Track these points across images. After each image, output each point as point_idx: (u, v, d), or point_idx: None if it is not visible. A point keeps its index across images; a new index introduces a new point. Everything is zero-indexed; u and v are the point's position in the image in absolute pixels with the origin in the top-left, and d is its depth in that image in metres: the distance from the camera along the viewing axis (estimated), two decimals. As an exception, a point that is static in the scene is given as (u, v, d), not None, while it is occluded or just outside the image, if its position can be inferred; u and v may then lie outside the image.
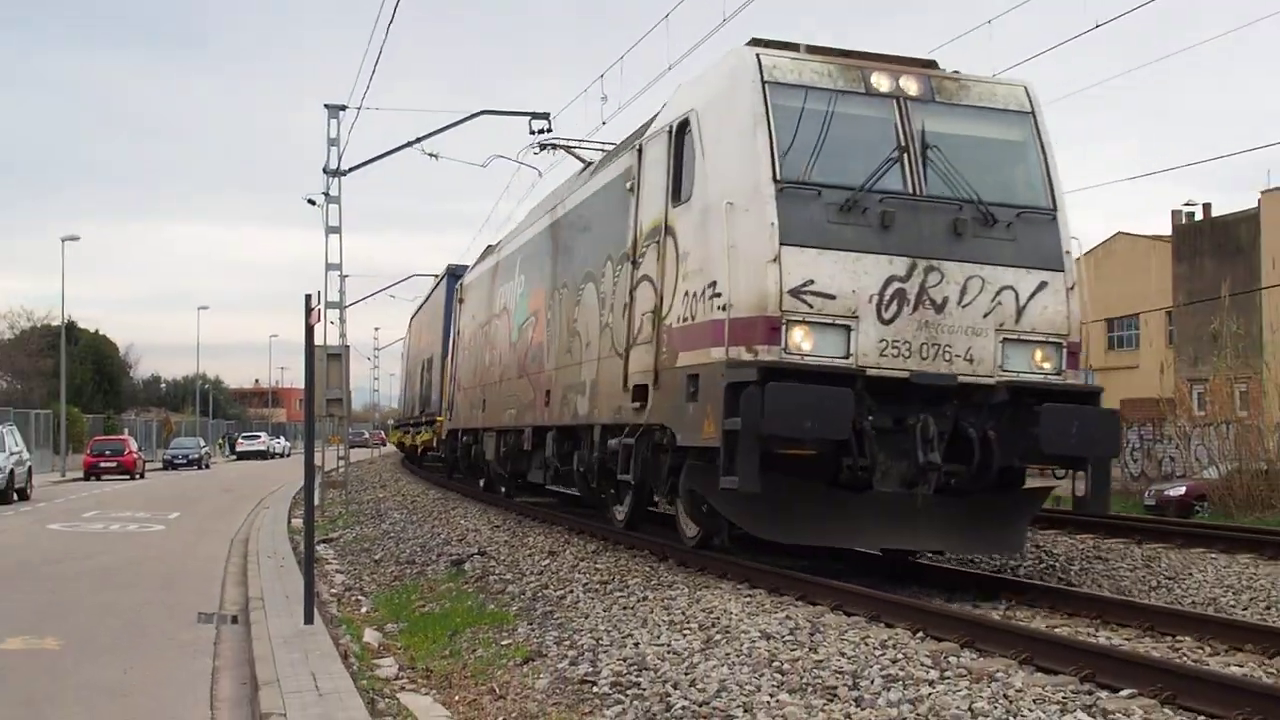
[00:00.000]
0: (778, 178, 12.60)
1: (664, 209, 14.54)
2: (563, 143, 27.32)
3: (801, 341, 12.51)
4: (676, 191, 14.27)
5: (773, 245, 12.36)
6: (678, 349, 13.89)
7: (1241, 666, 8.82)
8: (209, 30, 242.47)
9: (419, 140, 31.54)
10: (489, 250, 29.53)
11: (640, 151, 15.81)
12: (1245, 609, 11.87)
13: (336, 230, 33.20)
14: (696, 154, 13.78)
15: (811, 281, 12.45)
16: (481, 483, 29.63)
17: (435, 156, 32.80)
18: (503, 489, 26.88)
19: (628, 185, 16.06)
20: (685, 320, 13.67)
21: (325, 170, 32.84)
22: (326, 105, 32.45)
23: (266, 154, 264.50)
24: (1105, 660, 8.21)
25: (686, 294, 13.66)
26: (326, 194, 33.17)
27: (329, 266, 33.60)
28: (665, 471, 15.13)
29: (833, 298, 12.48)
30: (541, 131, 30.05)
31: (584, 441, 18.50)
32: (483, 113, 31.13)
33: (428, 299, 46.14)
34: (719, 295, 12.74)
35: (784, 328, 12.51)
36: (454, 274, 36.62)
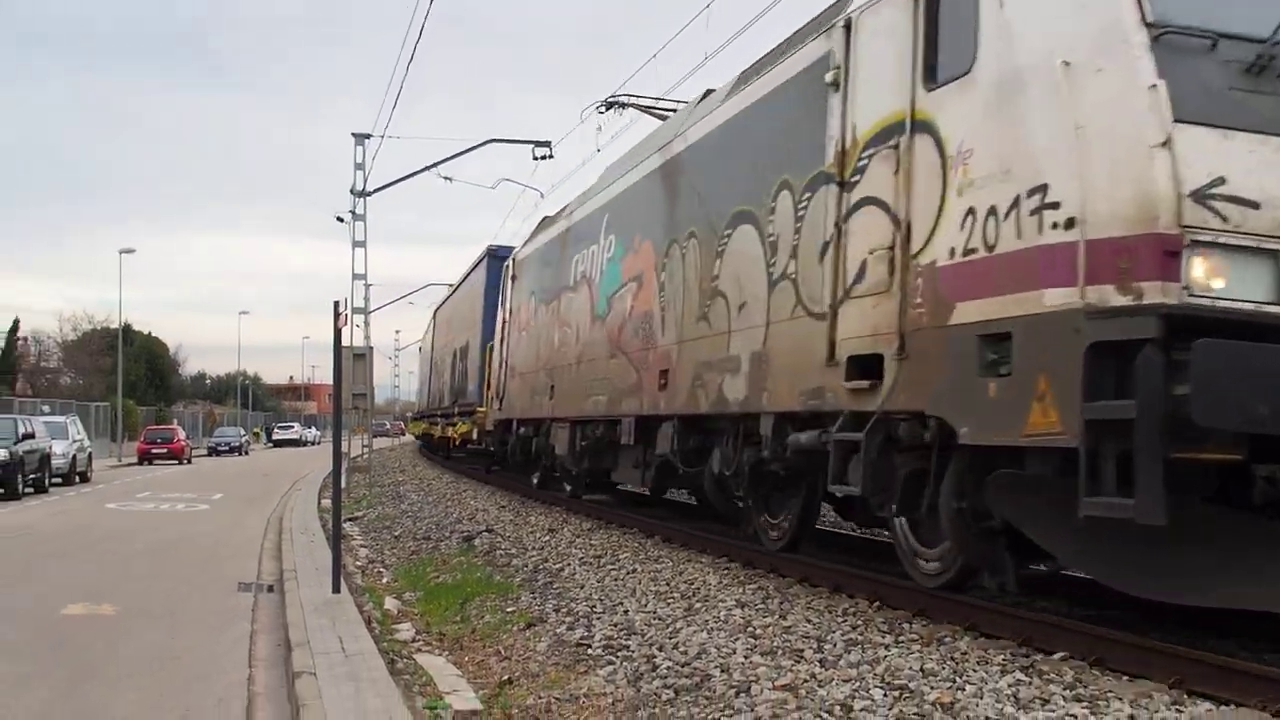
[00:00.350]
0: (1148, 19, 7.30)
1: (908, 95, 8.93)
2: (636, 101, 22.91)
3: (1210, 276, 7.07)
4: (932, 66, 8.79)
5: (1158, 121, 6.99)
6: (953, 297, 8.33)
7: (1163, 636, 8.79)
8: (253, 66, 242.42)
9: (434, 165, 31.49)
10: (546, 221, 23.96)
11: (850, 28, 10.00)
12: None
13: (362, 244, 33.20)
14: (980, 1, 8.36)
15: (1222, 180, 7.05)
16: (536, 479, 23.69)
17: (449, 179, 32.81)
18: (567, 487, 21.30)
19: (827, 79, 10.20)
20: (970, 252, 8.13)
21: (352, 191, 32.81)
22: (354, 134, 32.42)
23: (301, 175, 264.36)
24: (1040, 627, 8.18)
25: (969, 213, 8.08)
26: (353, 212, 33.18)
27: (355, 276, 33.54)
28: (908, 480, 9.53)
29: (1256, 206, 7.05)
30: (544, 158, 30.02)
31: (727, 436, 12.95)
32: (491, 141, 31.19)
33: (460, 285, 39.42)
34: (1055, 206, 7.32)
35: (1185, 253, 7.05)
36: (496, 254, 30.13)
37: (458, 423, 33.91)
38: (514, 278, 25.20)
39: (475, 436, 30.77)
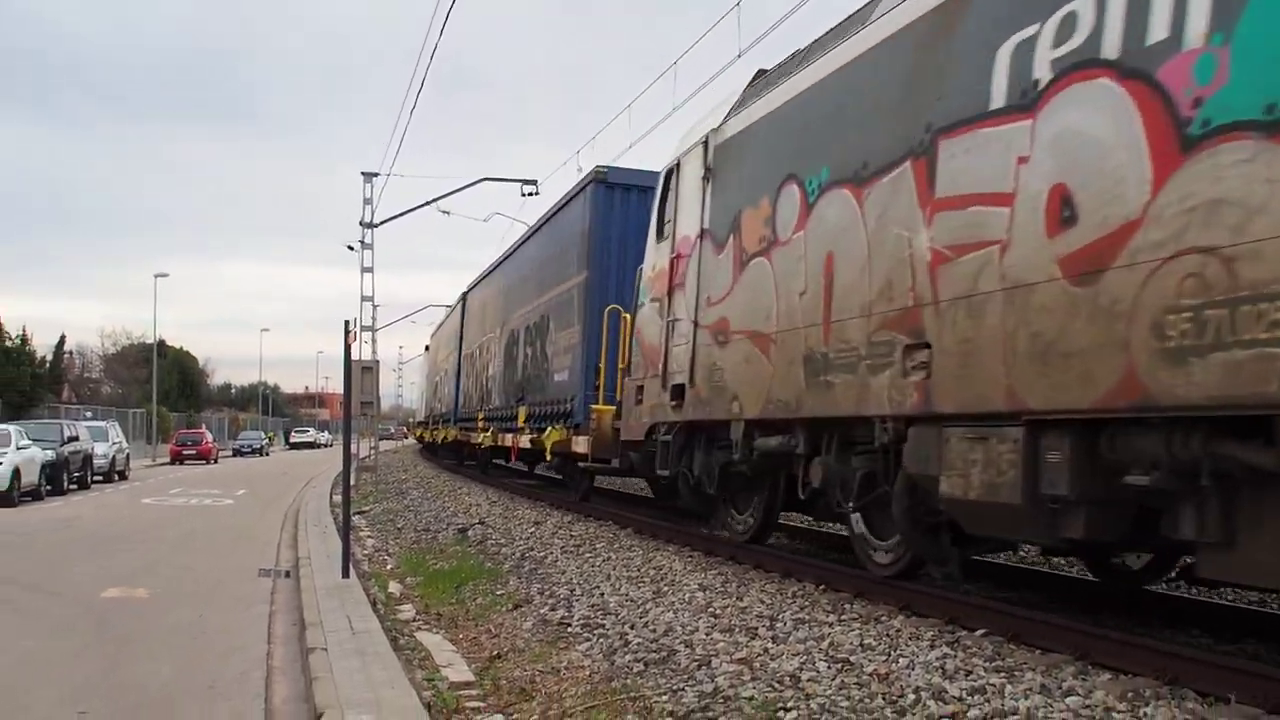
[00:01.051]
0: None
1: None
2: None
3: None
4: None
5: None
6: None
7: (1070, 615, 8.83)
8: (271, 110, 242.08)
9: (434, 200, 31.54)
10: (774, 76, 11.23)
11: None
12: (1074, 568, 11.93)
13: (370, 270, 33.27)
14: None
15: None
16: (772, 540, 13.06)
17: (447, 213, 32.76)
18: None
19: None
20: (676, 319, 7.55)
21: (361, 223, 32.82)
22: (363, 173, 32.46)
23: (316, 209, 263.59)
24: (964, 607, 8.20)
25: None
26: (362, 242, 33.16)
27: (363, 298, 33.62)
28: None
29: None
30: (531, 195, 30.00)
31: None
32: (484, 180, 31.20)
33: (523, 243, 25.08)
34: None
35: None
36: (602, 179, 18.16)
37: (554, 429, 19.19)
38: (711, 175, 11.85)
39: (589, 451, 16.42)
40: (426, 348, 51.08)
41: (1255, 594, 9.87)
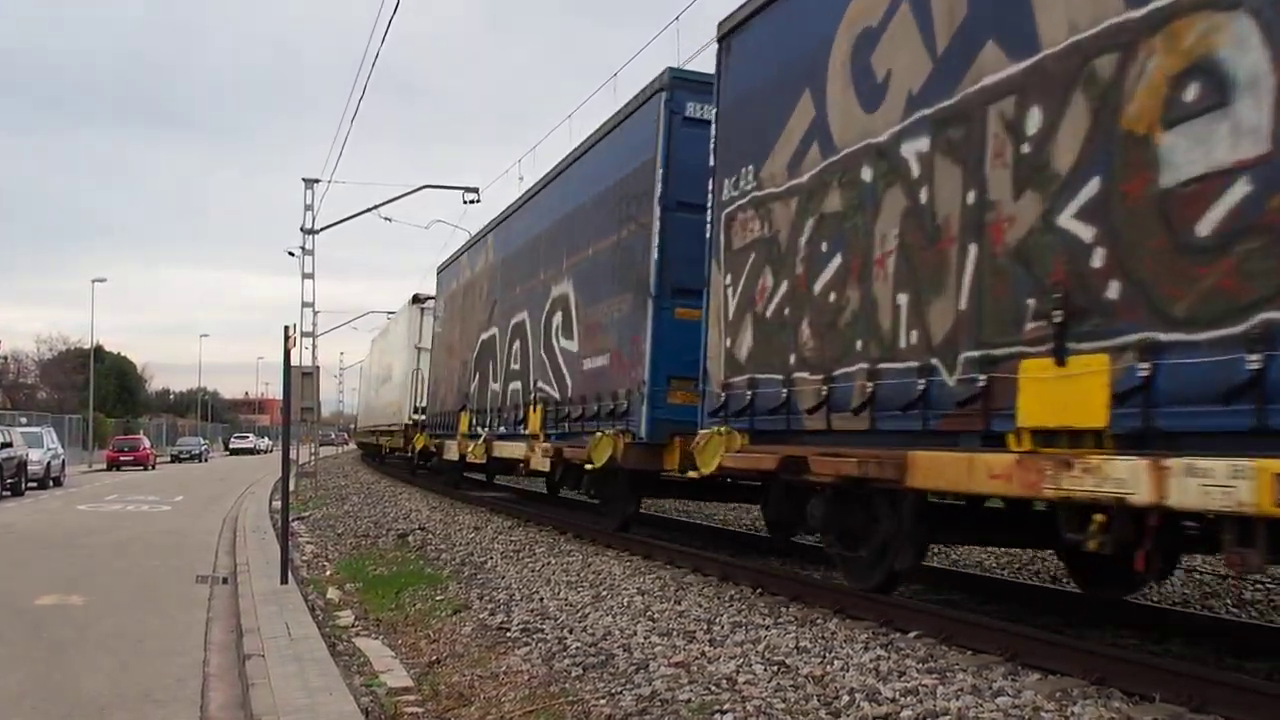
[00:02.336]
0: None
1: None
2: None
3: None
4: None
5: None
6: None
7: (1002, 616, 8.93)
8: (209, 115, 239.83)
9: (375, 207, 31.31)
10: None
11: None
12: (1003, 569, 12.07)
13: (311, 276, 32.96)
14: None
15: None
16: None
17: (389, 220, 32.94)
18: None
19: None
20: None
21: (302, 229, 32.50)
22: (304, 179, 32.15)
23: (256, 215, 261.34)
24: (898, 610, 8.27)
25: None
26: (303, 248, 32.88)
27: (304, 304, 33.27)
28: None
29: None
30: (472, 203, 29.89)
31: None
32: (425, 187, 31.09)
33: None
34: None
35: None
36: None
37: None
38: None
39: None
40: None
41: (1180, 594, 10.06)
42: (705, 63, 12.05)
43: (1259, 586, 10.33)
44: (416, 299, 33.40)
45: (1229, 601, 9.70)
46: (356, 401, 61.34)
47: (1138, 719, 5.55)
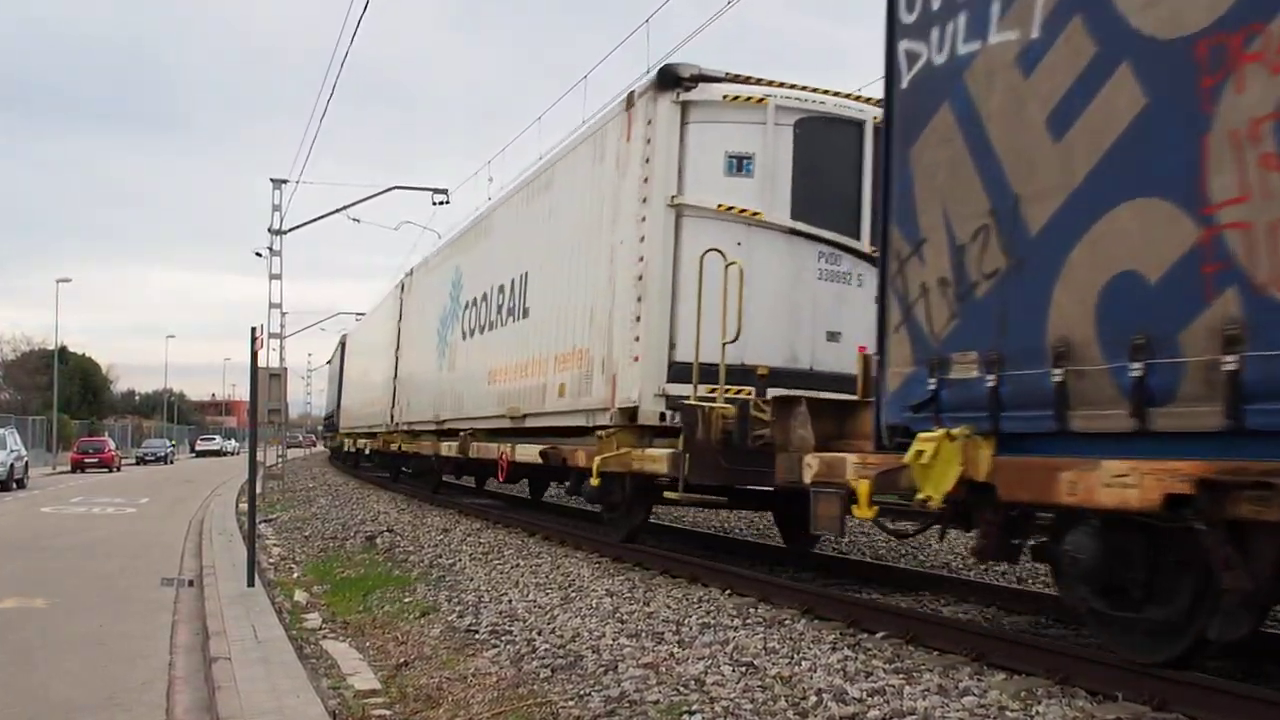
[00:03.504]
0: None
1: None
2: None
3: None
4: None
5: None
6: None
7: (966, 614, 9.00)
8: (176, 114, 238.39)
9: (344, 208, 31.27)
10: None
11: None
12: (970, 570, 12.14)
13: (278, 277, 32.87)
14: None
15: None
16: None
17: (357, 221, 32.73)
18: None
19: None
20: None
21: (270, 230, 32.41)
22: (272, 179, 32.12)
23: (223, 215, 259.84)
24: (865, 610, 8.32)
25: None
26: (270, 249, 32.76)
27: (272, 305, 33.15)
28: None
29: None
30: (441, 204, 29.83)
31: None
32: (394, 188, 31.03)
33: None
34: None
35: None
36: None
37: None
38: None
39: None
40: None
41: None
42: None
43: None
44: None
45: (1191, 601, 9.79)
46: (325, 403, 60.89)
47: (1101, 717, 5.61)
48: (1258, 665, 6.87)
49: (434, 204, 29.83)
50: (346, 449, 38.65)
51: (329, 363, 51.96)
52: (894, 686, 6.24)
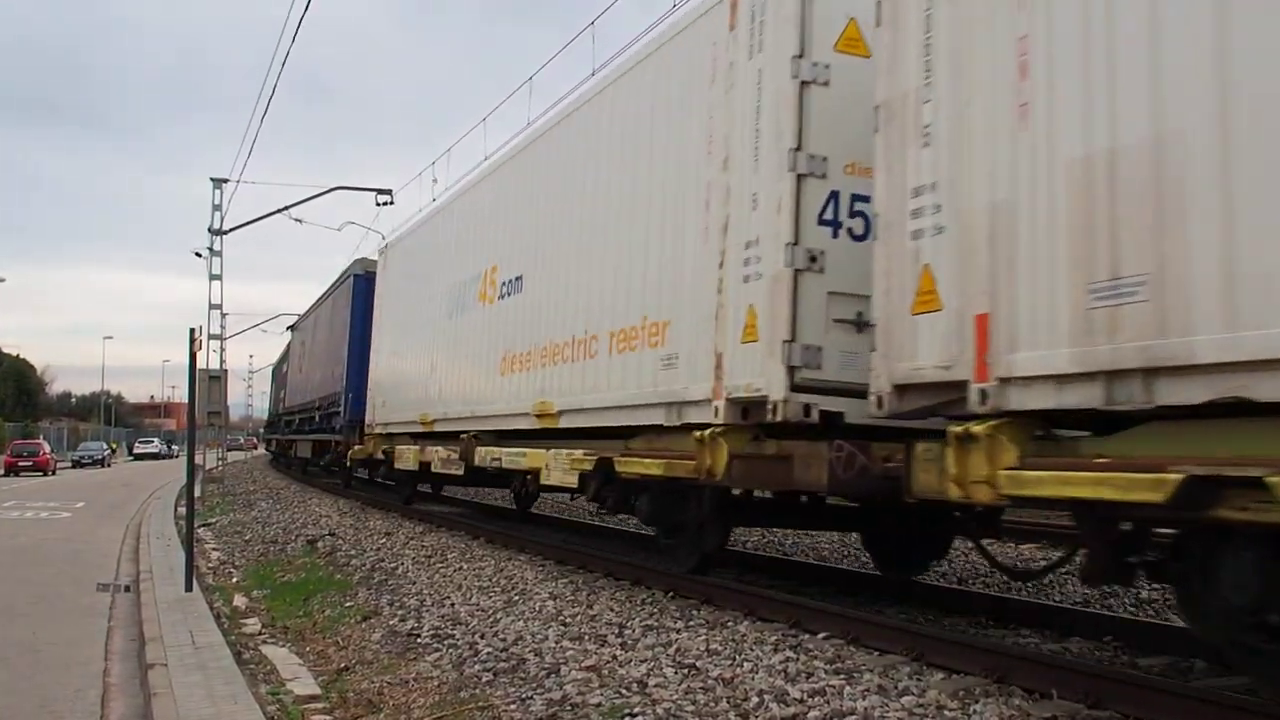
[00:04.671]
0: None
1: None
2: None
3: None
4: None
5: None
6: None
7: (908, 615, 9.08)
8: (112, 113, 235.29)
9: (286, 208, 31.00)
10: None
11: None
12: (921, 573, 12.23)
13: (218, 278, 32.61)
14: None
15: None
16: None
17: (300, 221, 32.33)
18: None
19: None
20: None
21: (210, 230, 32.08)
22: (212, 179, 31.82)
23: (164, 215, 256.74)
24: (806, 612, 8.36)
25: None
26: (210, 249, 32.43)
27: (211, 306, 32.82)
28: None
29: None
30: (385, 205, 29.68)
31: None
32: (338, 188, 30.81)
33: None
34: None
35: None
36: None
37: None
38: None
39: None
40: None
41: (1081, 594, 10.30)
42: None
43: (1155, 586, 10.62)
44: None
45: (1128, 601, 9.96)
46: (268, 405, 60.08)
47: (1037, 715, 5.68)
48: (1188, 661, 7.01)
49: (378, 204, 29.74)
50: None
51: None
52: (834, 687, 6.29)
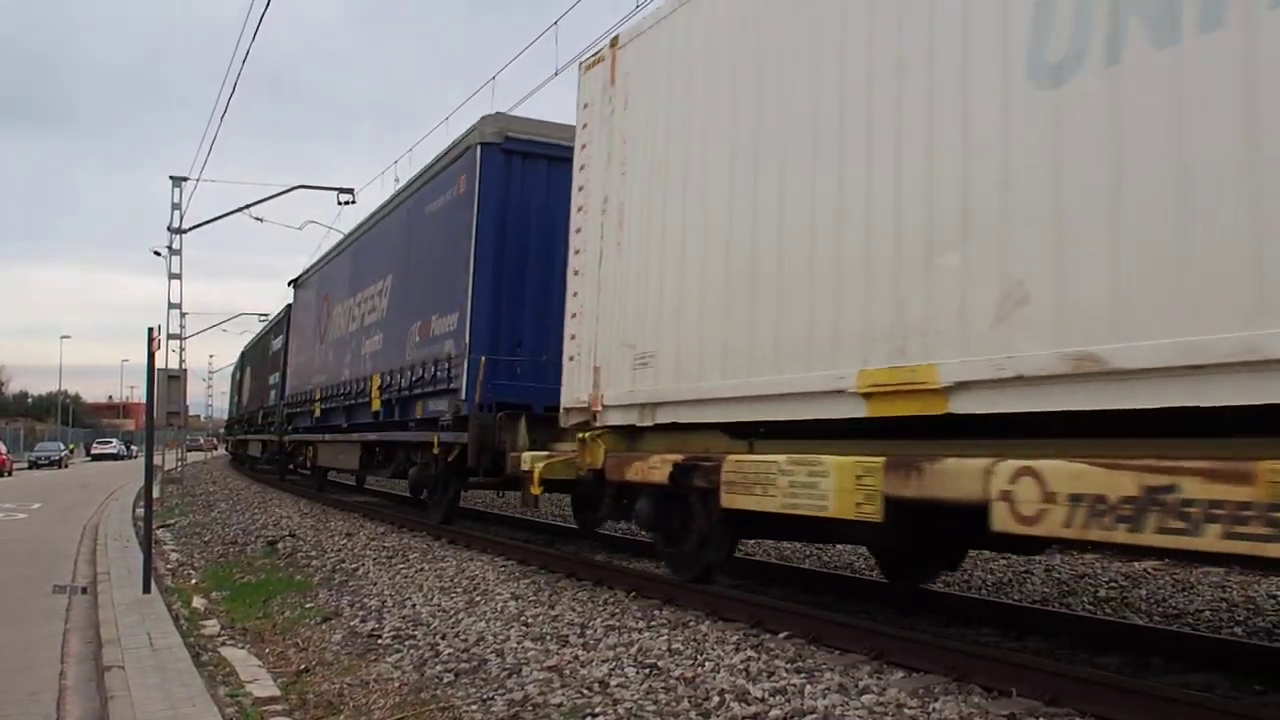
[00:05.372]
0: None
1: None
2: None
3: None
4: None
5: None
6: None
7: (870, 616, 9.12)
8: (72, 110, 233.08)
9: (246, 207, 30.76)
10: None
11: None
12: (872, 571, 12.31)
13: (178, 277, 32.28)
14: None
15: None
16: None
17: (260, 220, 32.30)
18: None
19: None
20: None
21: (169, 228, 31.79)
22: (172, 177, 31.46)
23: (123, 213, 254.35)
24: (768, 611, 8.39)
25: None
26: (170, 247, 32.14)
27: (171, 305, 32.56)
28: None
29: None
30: (347, 204, 29.52)
31: None
32: (298, 187, 30.60)
33: None
34: None
35: None
36: None
37: None
38: None
39: None
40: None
41: (1040, 593, 10.40)
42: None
43: (1113, 585, 10.73)
44: None
45: (1085, 599, 10.06)
46: (229, 404, 59.38)
47: (995, 713, 5.73)
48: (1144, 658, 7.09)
49: (339, 204, 29.49)
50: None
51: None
52: (795, 686, 6.31)
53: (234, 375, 51.18)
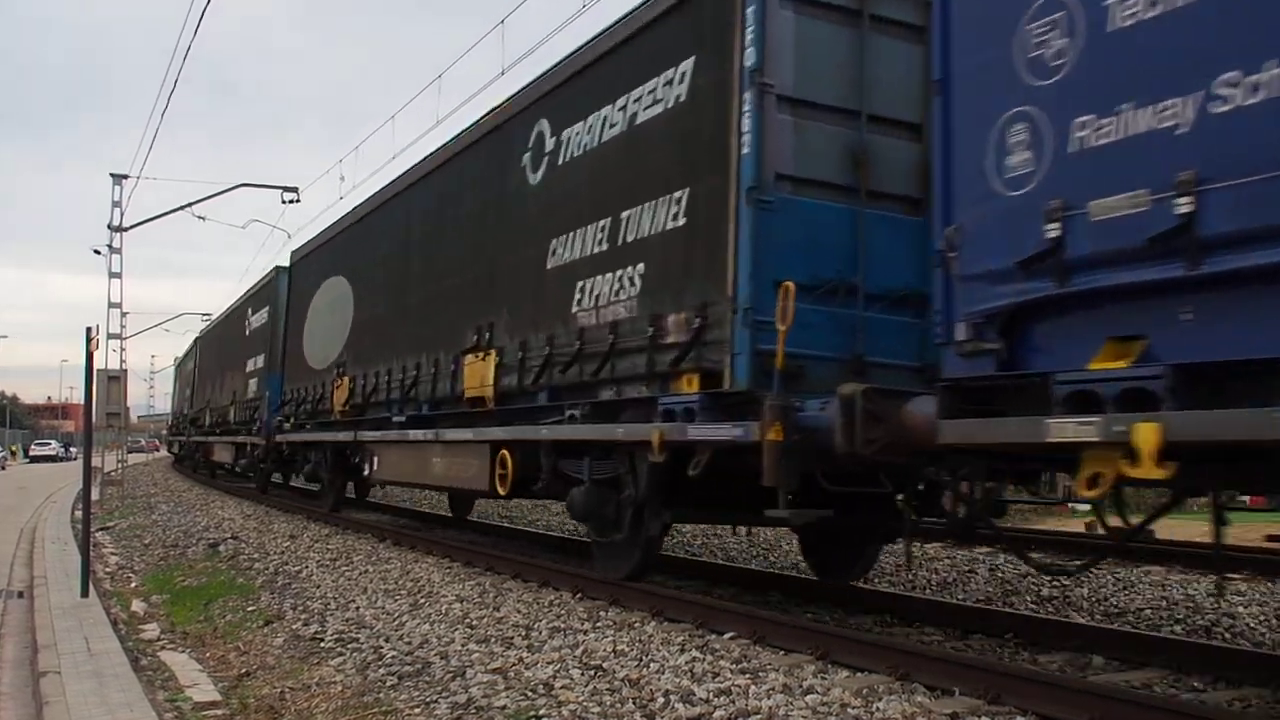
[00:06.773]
0: None
1: None
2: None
3: None
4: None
5: None
6: None
7: (816, 616, 9.16)
8: (13, 110, 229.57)
9: (188, 205, 30.35)
10: None
11: None
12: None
13: (118, 275, 31.72)
14: None
15: None
16: None
17: (203, 219, 31.83)
18: None
19: None
20: None
21: (110, 226, 31.25)
22: (112, 174, 30.93)
23: (62, 211, 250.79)
24: (713, 612, 8.39)
25: None
26: (110, 246, 31.62)
27: (111, 305, 31.99)
28: None
29: None
30: (292, 203, 29.21)
31: None
32: (242, 185, 30.24)
33: None
34: None
35: None
36: None
37: None
38: None
39: None
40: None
41: (984, 592, 10.49)
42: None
43: (1055, 584, 10.85)
44: None
45: (1029, 599, 10.16)
46: (172, 405, 58.17)
47: (938, 712, 5.77)
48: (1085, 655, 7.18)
49: (284, 202, 29.19)
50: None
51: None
52: (740, 686, 6.31)
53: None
